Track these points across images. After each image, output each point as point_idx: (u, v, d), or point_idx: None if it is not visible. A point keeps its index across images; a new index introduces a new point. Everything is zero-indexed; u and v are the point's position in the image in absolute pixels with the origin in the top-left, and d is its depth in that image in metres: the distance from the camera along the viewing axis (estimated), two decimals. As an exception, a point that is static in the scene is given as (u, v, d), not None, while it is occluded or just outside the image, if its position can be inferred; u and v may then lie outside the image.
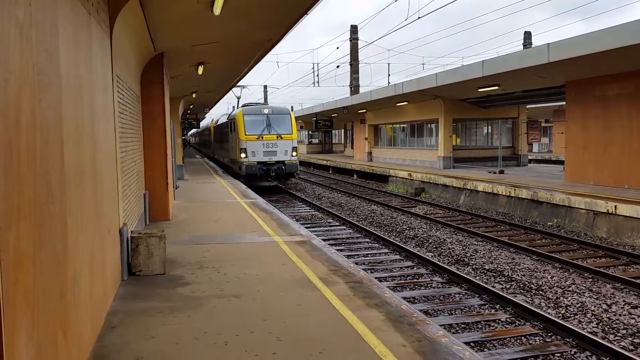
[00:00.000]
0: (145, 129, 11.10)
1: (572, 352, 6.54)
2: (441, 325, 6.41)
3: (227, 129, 26.87)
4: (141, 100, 11.03)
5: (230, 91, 28.42)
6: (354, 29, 43.25)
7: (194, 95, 23.92)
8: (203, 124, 52.47)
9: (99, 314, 5.14)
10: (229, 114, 28.30)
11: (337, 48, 40.12)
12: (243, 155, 22.77)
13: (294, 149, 23.57)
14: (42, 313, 3.02)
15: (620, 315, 7.81)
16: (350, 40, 42.70)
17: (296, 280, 6.84)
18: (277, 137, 23.14)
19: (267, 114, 23.55)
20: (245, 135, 22.95)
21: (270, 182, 24.04)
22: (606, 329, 7.34)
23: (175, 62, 13.02)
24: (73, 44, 4.14)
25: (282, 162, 23.20)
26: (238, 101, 33.56)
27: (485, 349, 6.67)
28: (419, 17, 18.92)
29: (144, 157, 11.09)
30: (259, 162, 22.75)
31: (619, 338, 7.04)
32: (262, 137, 22.99)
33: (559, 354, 6.50)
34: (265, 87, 38.43)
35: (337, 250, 10.96)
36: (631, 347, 6.75)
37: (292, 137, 23.50)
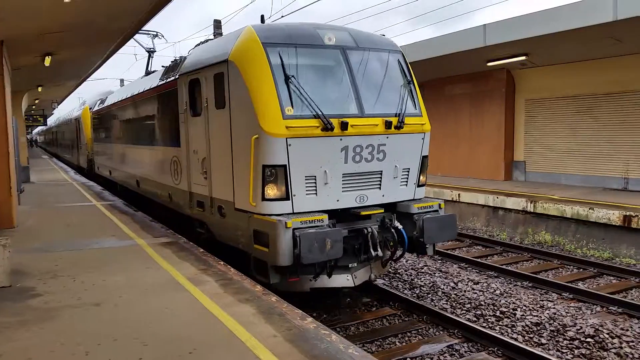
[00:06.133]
0: (-19, 126, 9.88)
1: (427, 329, 7.19)
2: (309, 313, 6.65)
3: (169, 102, 10.09)
4: (-25, 94, 9.79)
5: (126, 46, 15.19)
6: (217, 24, 42.55)
7: (40, 89, 21.76)
8: (52, 119, 47.73)
9: None
10: (181, 59, 10.13)
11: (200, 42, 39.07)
12: (272, 190, 6.80)
13: (425, 161, 8.10)
14: None
15: (465, 291, 8.75)
16: (214, 35, 42.00)
17: (162, 282, 6.61)
18: (386, 126, 7.29)
19: (342, 46, 7.54)
20: (286, 113, 6.74)
21: (353, 274, 7.37)
22: (454, 304, 8.18)
23: (17, 51, 11.75)
24: None
25: (394, 206, 7.78)
26: (149, 58, 16.55)
27: (350, 332, 7.06)
28: (282, 16, 19.24)
29: (-20, 157, 9.87)
30: (331, 213, 7.06)
31: (465, 311, 7.88)
32: (340, 127, 6.92)
33: (415, 331, 7.11)
34: (121, 80, 36.05)
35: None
36: (474, 319, 7.61)
37: (421, 124, 7.86)
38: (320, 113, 6.82)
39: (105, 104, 18.11)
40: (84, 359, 4.33)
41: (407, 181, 7.79)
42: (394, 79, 7.88)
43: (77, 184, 19.48)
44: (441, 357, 6.44)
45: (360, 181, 7.26)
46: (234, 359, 4.26)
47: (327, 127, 6.79)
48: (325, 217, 6.73)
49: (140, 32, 13.50)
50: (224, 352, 4.42)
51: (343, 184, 7.10)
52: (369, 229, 7.20)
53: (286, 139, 6.63)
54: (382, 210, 7.39)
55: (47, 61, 12.88)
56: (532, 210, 12.92)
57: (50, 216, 11.97)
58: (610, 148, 15.13)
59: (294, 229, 6.42)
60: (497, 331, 7.17)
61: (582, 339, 6.94)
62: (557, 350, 6.69)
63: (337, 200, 7.11)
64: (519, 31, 13.76)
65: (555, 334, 7.13)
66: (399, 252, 7.54)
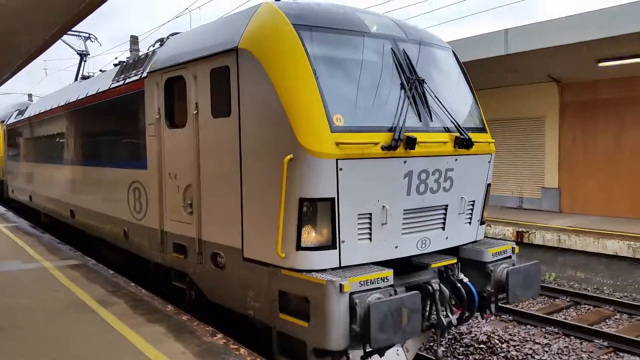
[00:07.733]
0: None
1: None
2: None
3: (129, 109, 7.89)
4: None
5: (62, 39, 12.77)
6: (134, 40, 41.53)
7: None
8: None
9: None
10: (147, 54, 7.86)
11: (116, 58, 37.62)
12: (312, 235, 4.77)
13: (489, 190, 6.43)
14: None
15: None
16: (131, 51, 40.94)
17: (70, 305, 6.50)
18: (456, 144, 5.52)
19: (392, 36, 5.71)
20: (334, 123, 4.78)
21: (404, 346, 5.66)
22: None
23: None
24: None
25: (456, 251, 5.91)
26: (81, 61, 15.44)
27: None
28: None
29: None
30: (385, 264, 5.06)
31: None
32: (404, 145, 5.02)
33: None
34: (30, 95, 34.05)
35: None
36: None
37: (488, 142, 6.42)
38: (402, 125, 5.04)
39: (26, 115, 15.12)
40: (-17, 384, 4.25)
41: (471, 217, 5.95)
42: (453, 83, 6.18)
43: (-24, 205, 18.24)
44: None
45: (422, 219, 5.40)
46: (142, 376, 4.37)
47: (390, 145, 4.91)
48: (390, 273, 4.76)
49: (70, 33, 11.69)
50: (132, 370, 4.50)
51: (404, 223, 5.21)
52: (435, 285, 5.33)
53: (337, 160, 4.67)
54: (455, 260, 5.60)
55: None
56: (438, 228, 13.80)
57: (-55, 239, 11.22)
58: (508, 170, 16.51)
59: (351, 294, 4.44)
60: (401, 341, 7.65)
61: (476, 345, 7.59)
62: (454, 357, 7.27)
63: (396, 247, 5.19)
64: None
65: (453, 341, 7.74)
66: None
